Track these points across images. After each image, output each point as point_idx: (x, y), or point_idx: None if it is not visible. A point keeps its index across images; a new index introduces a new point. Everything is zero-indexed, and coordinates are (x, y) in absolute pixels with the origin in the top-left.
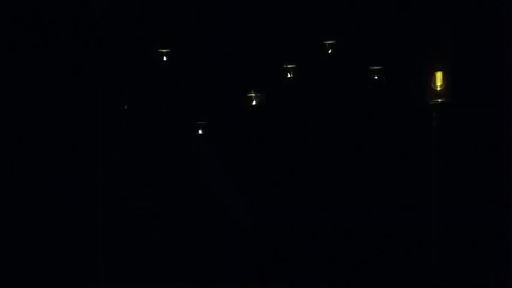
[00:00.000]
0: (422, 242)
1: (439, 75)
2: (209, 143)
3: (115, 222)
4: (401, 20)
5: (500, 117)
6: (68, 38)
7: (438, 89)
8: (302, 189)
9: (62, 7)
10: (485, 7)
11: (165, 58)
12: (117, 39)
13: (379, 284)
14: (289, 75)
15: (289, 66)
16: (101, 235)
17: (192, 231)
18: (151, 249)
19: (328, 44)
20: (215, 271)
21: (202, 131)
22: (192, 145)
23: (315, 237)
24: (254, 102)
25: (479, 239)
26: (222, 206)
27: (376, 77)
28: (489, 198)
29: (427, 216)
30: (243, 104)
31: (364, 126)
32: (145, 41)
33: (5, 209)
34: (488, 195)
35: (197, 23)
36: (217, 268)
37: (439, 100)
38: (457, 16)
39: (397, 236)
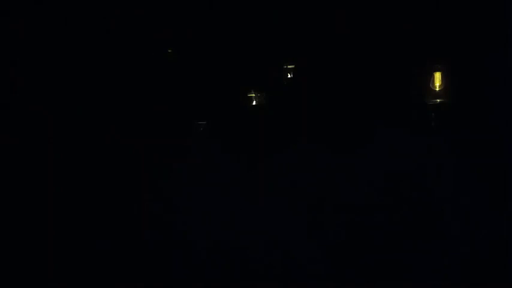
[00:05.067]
0: (421, 241)
1: (438, 76)
2: (210, 142)
3: (115, 223)
4: (401, 19)
5: (500, 117)
6: (67, 37)
7: (437, 89)
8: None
9: (61, 6)
10: (485, 7)
11: (165, 58)
12: (117, 39)
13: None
14: (289, 76)
15: (289, 66)
16: (103, 236)
17: (192, 231)
18: (151, 250)
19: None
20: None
21: (203, 130)
22: (192, 145)
23: (313, 237)
24: (254, 102)
25: (479, 239)
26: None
27: (376, 77)
28: (489, 198)
29: (426, 216)
30: (243, 104)
31: (363, 126)
32: (145, 41)
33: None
34: (488, 195)
35: (197, 22)
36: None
37: (438, 100)
38: (457, 16)
39: (394, 235)
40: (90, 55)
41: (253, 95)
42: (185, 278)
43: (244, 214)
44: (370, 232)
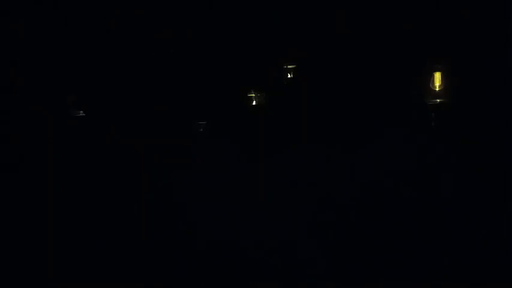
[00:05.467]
0: (421, 241)
1: (438, 76)
2: (210, 142)
3: (115, 223)
4: (401, 19)
5: (500, 117)
6: (67, 37)
7: (437, 89)
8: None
9: (61, 6)
10: (485, 7)
11: (166, 58)
12: (117, 39)
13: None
14: (289, 76)
15: (289, 66)
16: (103, 236)
17: (192, 231)
18: (152, 250)
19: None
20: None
21: (203, 130)
22: (192, 145)
23: (313, 237)
24: (254, 102)
25: (479, 239)
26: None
27: (376, 77)
28: (489, 198)
29: (426, 216)
30: (243, 103)
31: (363, 126)
32: (145, 41)
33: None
34: (488, 195)
35: (197, 22)
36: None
37: (438, 100)
38: (457, 16)
39: (394, 235)
40: (90, 55)
41: (253, 95)
42: (185, 278)
43: (244, 214)
44: (370, 232)
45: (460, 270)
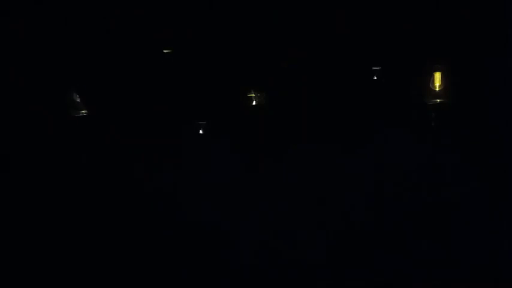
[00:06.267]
0: (421, 241)
1: (438, 76)
2: (209, 142)
3: (116, 224)
4: (401, 19)
5: (500, 117)
6: (67, 37)
7: (437, 89)
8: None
9: (61, 6)
10: (485, 7)
11: (165, 59)
12: (117, 39)
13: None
14: (288, 76)
15: (289, 66)
16: (102, 236)
17: (190, 232)
18: (151, 250)
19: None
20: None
21: (203, 131)
22: (192, 145)
23: (313, 236)
24: (254, 102)
25: (479, 239)
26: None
27: (376, 77)
28: (489, 198)
29: (426, 215)
30: (243, 104)
31: (363, 126)
32: (145, 41)
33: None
34: (488, 195)
35: (197, 22)
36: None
37: (438, 100)
38: (457, 16)
39: (394, 235)
40: (90, 55)
41: (253, 95)
42: (185, 278)
43: (244, 214)
44: (370, 232)
45: (460, 270)
